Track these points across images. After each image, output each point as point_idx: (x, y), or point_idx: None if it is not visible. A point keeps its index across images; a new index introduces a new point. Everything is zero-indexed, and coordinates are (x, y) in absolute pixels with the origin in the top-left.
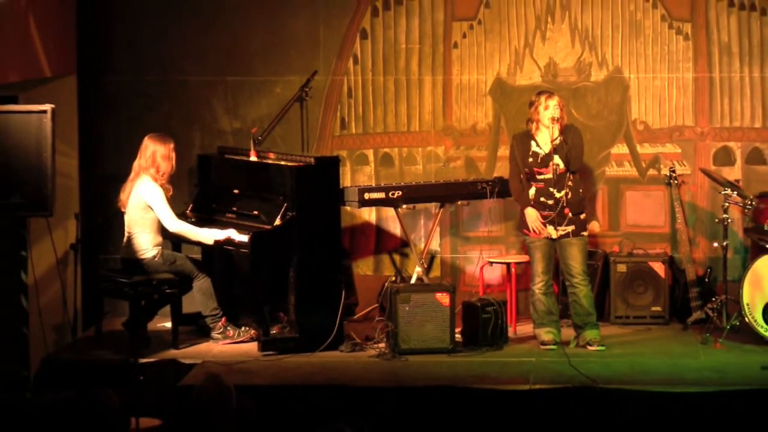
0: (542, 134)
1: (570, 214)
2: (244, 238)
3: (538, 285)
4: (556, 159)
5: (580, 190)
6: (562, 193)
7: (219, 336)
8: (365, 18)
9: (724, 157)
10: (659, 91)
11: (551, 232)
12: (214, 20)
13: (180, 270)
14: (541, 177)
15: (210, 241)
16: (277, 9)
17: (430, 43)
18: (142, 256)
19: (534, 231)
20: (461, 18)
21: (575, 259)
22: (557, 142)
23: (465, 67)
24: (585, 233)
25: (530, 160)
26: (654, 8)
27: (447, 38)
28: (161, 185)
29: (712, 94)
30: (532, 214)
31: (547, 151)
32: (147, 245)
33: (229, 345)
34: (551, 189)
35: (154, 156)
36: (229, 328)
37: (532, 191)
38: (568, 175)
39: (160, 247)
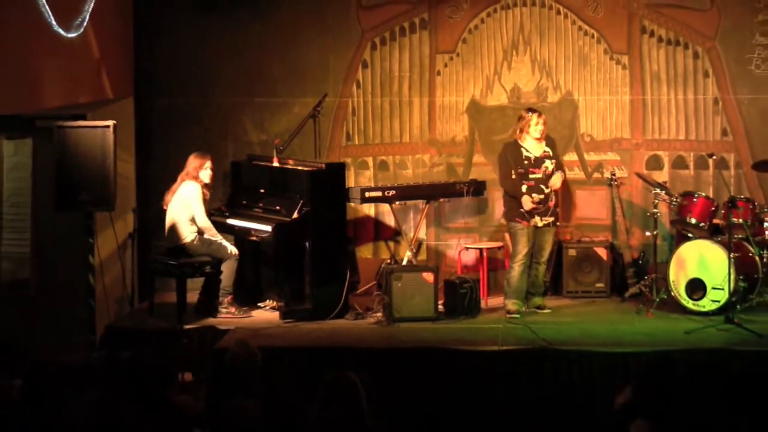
0: (528, 142)
1: (553, 208)
2: (267, 228)
3: (518, 263)
4: (546, 162)
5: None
6: (549, 190)
7: (223, 310)
8: (366, 51)
9: (655, 163)
10: (602, 110)
11: (537, 221)
12: (243, 52)
13: (215, 253)
14: (533, 176)
15: (226, 248)
16: (294, 43)
17: (418, 72)
18: (184, 241)
19: (525, 219)
20: (443, 51)
21: (548, 244)
22: (547, 150)
23: (446, 91)
24: (557, 224)
25: (525, 162)
26: (598, 43)
27: (432, 68)
28: (202, 188)
29: (645, 113)
30: (528, 200)
31: (537, 155)
32: (186, 233)
33: (254, 316)
34: (541, 186)
35: (197, 168)
36: (232, 306)
37: (524, 188)
38: (552, 173)
39: (196, 234)
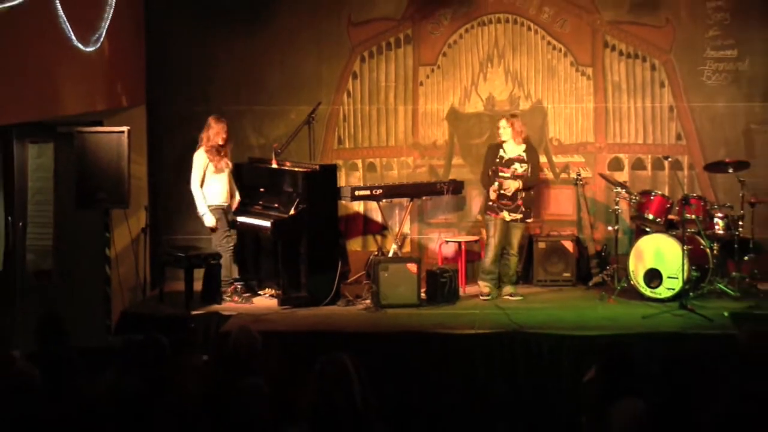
0: (507, 145)
1: (521, 206)
2: (266, 224)
3: (491, 254)
4: (516, 165)
5: (532, 192)
6: (517, 186)
7: (227, 298)
8: (356, 63)
9: (616, 164)
10: (569, 117)
11: (505, 216)
12: (244, 64)
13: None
14: (502, 175)
15: (202, 217)
16: (291, 56)
17: (402, 82)
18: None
19: (495, 212)
20: (425, 64)
21: (516, 238)
22: (521, 154)
23: (428, 100)
24: (528, 220)
25: (497, 161)
26: (565, 56)
27: (415, 78)
28: (208, 151)
29: (607, 119)
30: (491, 190)
31: (510, 157)
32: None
33: (255, 303)
34: (509, 183)
35: (208, 130)
36: (235, 295)
37: (495, 184)
38: (524, 176)
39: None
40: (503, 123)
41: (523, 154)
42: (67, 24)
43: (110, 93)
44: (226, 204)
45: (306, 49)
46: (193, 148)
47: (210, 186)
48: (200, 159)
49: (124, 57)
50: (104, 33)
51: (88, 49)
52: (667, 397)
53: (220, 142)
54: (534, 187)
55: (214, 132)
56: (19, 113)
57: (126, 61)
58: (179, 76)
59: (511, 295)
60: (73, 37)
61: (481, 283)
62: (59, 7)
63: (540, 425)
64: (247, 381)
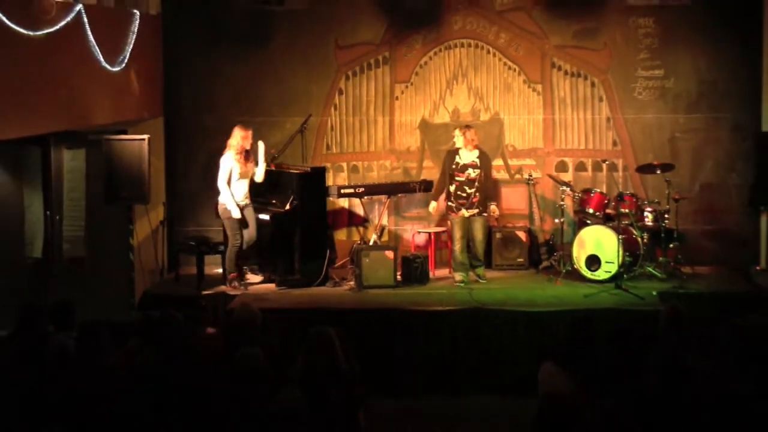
0: (463, 151)
1: (476, 203)
2: (266, 217)
3: (457, 246)
4: (469, 170)
5: (490, 188)
6: (472, 190)
7: (228, 285)
8: (341, 81)
9: (562, 167)
10: (522, 126)
11: (464, 213)
12: (246, 81)
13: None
14: (458, 179)
15: (231, 212)
16: (286, 75)
17: (381, 97)
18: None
19: (454, 212)
20: (401, 81)
21: (477, 231)
22: (474, 160)
23: (403, 112)
24: (485, 214)
25: (453, 167)
26: (518, 75)
27: (392, 94)
28: (237, 159)
29: (554, 128)
30: (433, 205)
31: (464, 162)
32: (221, 196)
33: (255, 284)
34: (464, 186)
35: (237, 137)
36: (235, 282)
37: (452, 187)
38: (477, 179)
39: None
40: (457, 132)
41: (476, 160)
42: (96, 48)
43: (133, 106)
44: (243, 204)
45: (299, 69)
46: (203, 153)
47: (234, 187)
48: (228, 162)
49: (145, 75)
50: (128, 55)
51: (114, 69)
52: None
53: (247, 147)
54: (489, 188)
55: (243, 138)
56: (56, 123)
57: (146, 78)
58: (191, 91)
59: (480, 278)
60: (102, 59)
61: (455, 273)
62: (89, 33)
63: (497, 385)
64: (248, 350)
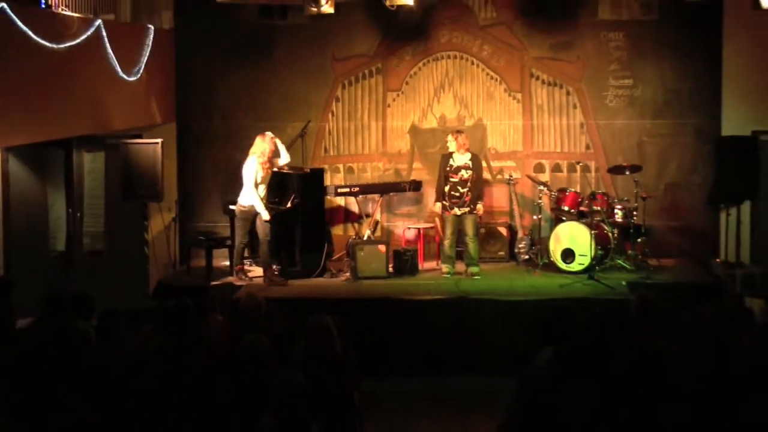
0: (456, 155)
1: (468, 202)
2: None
3: (447, 242)
4: (462, 171)
5: (481, 189)
6: (464, 190)
7: (234, 277)
8: (338, 90)
9: (539, 168)
10: (503, 131)
11: (456, 211)
12: (251, 90)
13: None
14: (452, 180)
15: (260, 213)
16: (288, 84)
17: (374, 104)
18: (240, 198)
19: (447, 210)
20: (392, 90)
21: (468, 227)
22: (467, 162)
23: (395, 118)
24: (475, 212)
25: (448, 169)
26: (500, 84)
27: (384, 101)
28: (261, 164)
29: (533, 133)
30: (438, 206)
31: (458, 165)
32: (246, 198)
33: (260, 273)
34: (458, 187)
35: (262, 145)
36: (240, 273)
37: (447, 187)
38: (469, 180)
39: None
40: (450, 138)
41: (469, 163)
42: (114, 59)
43: (147, 112)
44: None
45: (299, 79)
46: (212, 155)
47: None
48: (253, 168)
49: (158, 84)
50: (143, 66)
51: (131, 79)
52: (580, 345)
53: (269, 154)
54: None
55: (268, 146)
56: (78, 128)
57: (160, 87)
58: (201, 98)
59: (474, 274)
60: (119, 70)
61: (443, 265)
62: (108, 46)
63: (480, 367)
64: (252, 336)
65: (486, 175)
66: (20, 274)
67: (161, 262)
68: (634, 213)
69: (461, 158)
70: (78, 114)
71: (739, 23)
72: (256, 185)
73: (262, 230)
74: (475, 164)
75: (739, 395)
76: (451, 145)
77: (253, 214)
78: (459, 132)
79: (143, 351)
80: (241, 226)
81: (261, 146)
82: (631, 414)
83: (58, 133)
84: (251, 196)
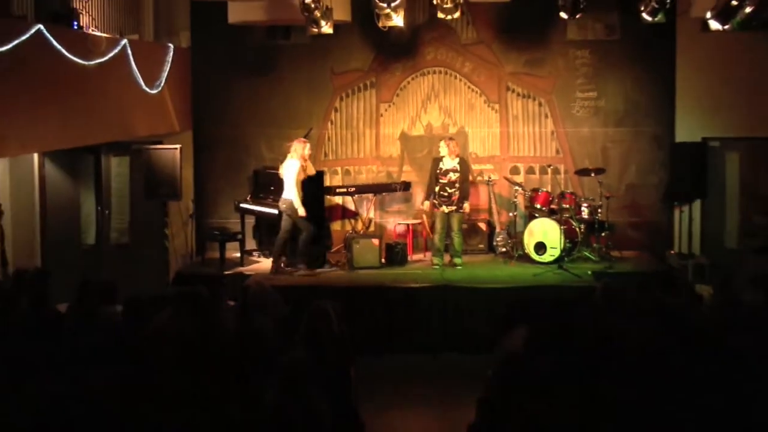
0: (446, 159)
1: (456, 201)
2: (274, 211)
3: (436, 236)
4: (450, 174)
5: (467, 190)
6: (452, 190)
7: (275, 265)
8: (337, 101)
9: (515, 170)
10: (483, 138)
11: (444, 209)
12: (259, 100)
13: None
14: (441, 181)
15: (298, 209)
16: (292, 96)
17: (369, 114)
18: (285, 196)
19: (437, 207)
20: (384, 101)
21: (454, 224)
22: (455, 166)
23: (387, 126)
24: (461, 211)
25: (437, 171)
26: (480, 96)
27: (377, 111)
28: (302, 166)
29: (509, 140)
30: (426, 204)
31: (446, 168)
32: (290, 195)
33: (267, 264)
34: (446, 187)
35: (302, 149)
36: (277, 266)
37: (437, 188)
38: (457, 182)
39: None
40: (442, 143)
41: (457, 166)
42: (138, 74)
43: (167, 121)
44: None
45: (302, 91)
46: (225, 159)
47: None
48: (296, 169)
49: (177, 96)
50: (163, 80)
51: (153, 92)
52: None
53: (307, 156)
54: (467, 190)
55: (306, 151)
56: (106, 136)
57: (178, 99)
58: (215, 109)
59: (456, 264)
60: (142, 83)
61: (433, 257)
62: (132, 63)
63: (462, 346)
64: (260, 319)
65: (470, 176)
66: (55, 265)
67: (179, 253)
68: (599, 210)
69: (451, 162)
70: (106, 123)
71: (689, 43)
72: (296, 184)
73: (300, 225)
74: (463, 168)
75: (688, 368)
76: (443, 150)
77: (292, 209)
78: (451, 139)
79: (164, 332)
80: (286, 219)
81: (300, 150)
82: (594, 384)
83: (89, 139)
84: (293, 193)
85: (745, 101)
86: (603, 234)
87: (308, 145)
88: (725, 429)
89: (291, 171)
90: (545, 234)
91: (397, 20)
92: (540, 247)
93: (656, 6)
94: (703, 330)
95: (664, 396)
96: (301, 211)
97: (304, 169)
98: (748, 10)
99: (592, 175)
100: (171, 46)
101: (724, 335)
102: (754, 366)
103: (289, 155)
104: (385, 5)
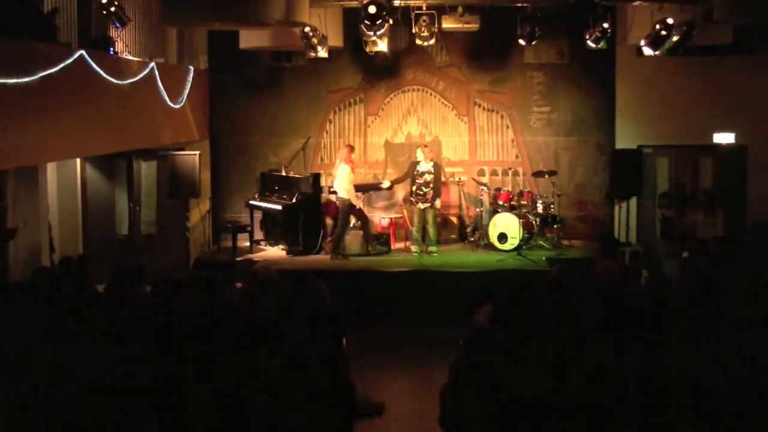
0: (422, 162)
1: (430, 198)
2: (279, 207)
3: (414, 228)
4: (426, 175)
5: (439, 189)
6: (427, 189)
7: (332, 254)
8: (331, 114)
9: (481, 173)
10: (455, 145)
11: (420, 206)
12: (266, 113)
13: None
14: (418, 182)
15: (353, 200)
16: (293, 109)
17: (358, 125)
18: (340, 195)
19: (413, 204)
20: (371, 114)
21: (429, 217)
22: (430, 169)
23: (373, 135)
24: (435, 207)
25: (415, 173)
26: (452, 110)
27: (365, 122)
28: (351, 168)
29: (477, 147)
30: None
31: (422, 170)
32: (342, 192)
33: (272, 252)
34: (422, 187)
35: (350, 154)
36: (334, 254)
37: (414, 187)
38: (430, 182)
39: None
40: (419, 150)
41: (431, 169)
42: (164, 91)
43: (188, 131)
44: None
45: (302, 105)
46: (237, 163)
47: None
48: (347, 170)
49: (197, 110)
50: (185, 97)
51: (176, 106)
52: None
53: (353, 160)
54: (439, 189)
55: (352, 155)
56: (136, 143)
57: (197, 112)
58: (228, 121)
59: (432, 252)
60: (167, 99)
61: (412, 246)
62: (159, 82)
63: (438, 320)
64: (266, 299)
65: (442, 178)
66: (95, 252)
67: (198, 243)
68: (551, 206)
69: (426, 166)
70: (136, 133)
71: (627, 66)
72: (351, 184)
73: (344, 219)
74: (436, 170)
75: (628, 335)
76: (420, 155)
77: (348, 205)
78: (426, 146)
79: (185, 309)
80: (342, 215)
81: (347, 155)
82: (549, 354)
83: (122, 147)
84: (348, 192)
85: (673, 114)
86: (555, 226)
87: (352, 152)
88: (661, 386)
89: (342, 172)
90: (507, 226)
91: (382, 46)
92: (502, 238)
93: (599, 35)
94: (640, 305)
95: (608, 360)
96: (356, 203)
97: (353, 169)
98: (675, 38)
99: (546, 176)
100: (191, 67)
101: (658, 310)
102: (680, 333)
103: (338, 159)
104: (371, 33)
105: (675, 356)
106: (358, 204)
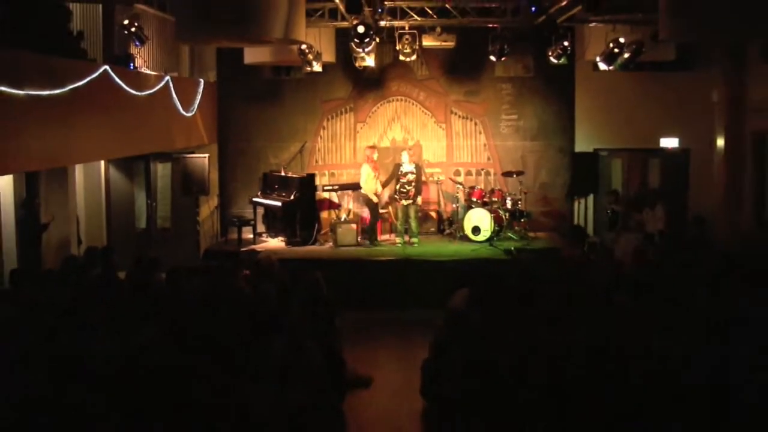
0: (405, 164)
1: (412, 196)
2: (279, 204)
3: (398, 222)
4: (409, 176)
5: (420, 187)
6: (410, 188)
7: (361, 240)
8: (325, 121)
9: (457, 173)
10: (434, 149)
11: (403, 202)
12: (268, 120)
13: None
14: (402, 181)
15: (370, 195)
16: (291, 116)
17: (348, 130)
18: (362, 192)
19: (397, 201)
20: (360, 121)
21: (411, 213)
22: (412, 170)
23: (362, 139)
24: (416, 203)
25: (399, 173)
26: (431, 118)
27: (355, 128)
28: (373, 168)
29: (453, 150)
30: (397, 187)
31: (405, 171)
32: (366, 190)
33: (273, 243)
34: (405, 186)
35: (367, 156)
36: (365, 241)
37: (398, 186)
38: (413, 181)
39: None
40: (403, 153)
41: (414, 170)
42: (178, 101)
43: (198, 136)
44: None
45: (299, 114)
46: (242, 164)
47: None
48: (367, 170)
49: (206, 117)
50: (196, 106)
51: (188, 115)
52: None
53: (374, 160)
54: (420, 187)
55: (373, 155)
56: (153, 147)
57: (207, 119)
58: (234, 127)
59: (414, 244)
60: (180, 108)
61: (396, 237)
62: (173, 93)
63: (422, 303)
64: (267, 285)
65: (423, 178)
66: (117, 244)
67: (208, 235)
68: (519, 202)
69: (409, 167)
70: (153, 138)
71: (585, 79)
72: (373, 180)
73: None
74: (418, 171)
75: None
76: (403, 158)
77: (367, 200)
78: (410, 149)
79: (196, 294)
80: (370, 209)
81: (368, 155)
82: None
83: (140, 150)
84: (366, 188)
85: (625, 121)
86: (522, 220)
87: (373, 151)
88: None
89: (364, 172)
90: (480, 220)
91: (370, 61)
92: (476, 230)
93: (560, 52)
94: (596, 288)
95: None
96: (374, 199)
97: (376, 168)
98: (626, 55)
99: (514, 176)
100: (202, 80)
101: (610, 292)
102: (629, 311)
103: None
104: (360, 50)
105: (623, 333)
106: (377, 200)
